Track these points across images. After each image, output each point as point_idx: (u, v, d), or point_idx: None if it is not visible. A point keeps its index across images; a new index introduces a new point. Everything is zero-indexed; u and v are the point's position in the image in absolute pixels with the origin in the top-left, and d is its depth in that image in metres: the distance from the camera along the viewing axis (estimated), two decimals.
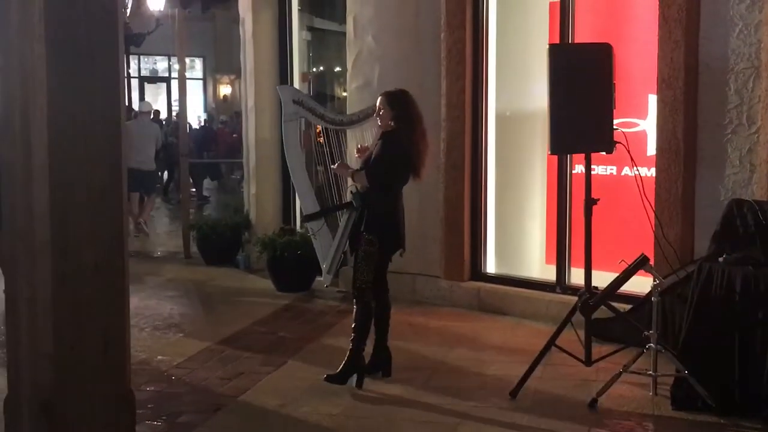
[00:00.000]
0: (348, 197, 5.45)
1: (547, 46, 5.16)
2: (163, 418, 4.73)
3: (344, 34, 7.97)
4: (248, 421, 4.67)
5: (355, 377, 5.17)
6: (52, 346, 2.73)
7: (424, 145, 5.27)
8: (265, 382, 5.32)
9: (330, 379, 5.16)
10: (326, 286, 5.68)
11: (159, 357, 5.89)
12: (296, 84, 9.23)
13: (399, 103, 5.24)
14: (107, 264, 2.81)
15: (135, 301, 7.34)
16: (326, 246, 5.47)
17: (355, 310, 5.25)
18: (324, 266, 5.49)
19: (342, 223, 5.43)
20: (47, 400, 2.74)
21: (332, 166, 5.54)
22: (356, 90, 7.67)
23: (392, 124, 5.19)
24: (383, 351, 5.38)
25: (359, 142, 5.66)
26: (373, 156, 5.25)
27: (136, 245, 10.61)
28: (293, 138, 5.63)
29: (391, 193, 5.29)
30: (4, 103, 2.83)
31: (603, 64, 5.01)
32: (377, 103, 5.29)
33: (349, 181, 5.47)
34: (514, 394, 4.96)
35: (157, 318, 7.06)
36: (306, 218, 5.60)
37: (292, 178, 5.74)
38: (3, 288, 2.92)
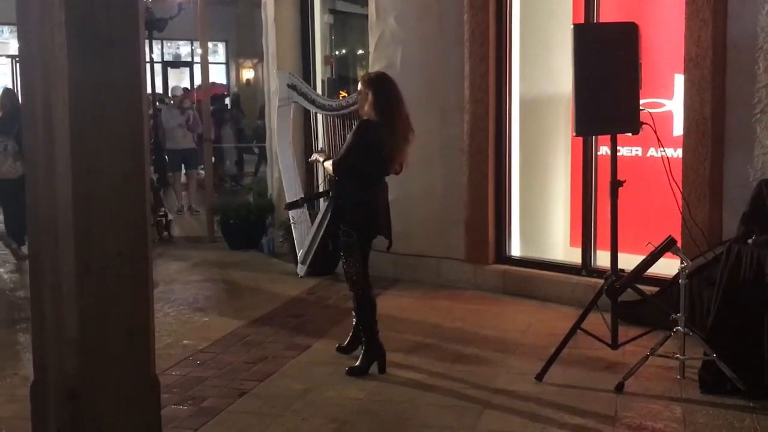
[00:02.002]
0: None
1: (571, 26, 5.08)
2: (189, 401, 4.75)
3: (367, 16, 7.92)
4: (273, 406, 4.67)
5: (376, 365, 5.15)
6: (77, 333, 2.72)
7: (403, 141, 5.02)
8: (290, 366, 5.33)
9: (352, 372, 5.11)
10: (300, 277, 5.62)
11: (184, 341, 5.91)
12: (319, 68, 9.21)
13: (379, 89, 5.01)
14: (130, 251, 2.80)
15: (160, 286, 7.42)
16: (305, 235, 5.43)
17: (353, 301, 5.23)
18: (299, 255, 5.45)
19: (320, 213, 5.38)
20: (72, 386, 2.74)
21: (311, 158, 5.48)
22: None
23: (372, 112, 4.97)
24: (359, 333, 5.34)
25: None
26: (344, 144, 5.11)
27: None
28: (284, 123, 5.61)
29: (366, 182, 5.07)
30: (27, 91, 2.82)
31: (629, 44, 4.94)
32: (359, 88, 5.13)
33: None
34: (539, 377, 4.93)
35: (182, 302, 7.09)
36: (288, 206, 5.56)
37: (279, 163, 5.68)
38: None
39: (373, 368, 5.14)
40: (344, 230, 5.09)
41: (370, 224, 5.14)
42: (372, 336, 5.16)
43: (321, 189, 5.60)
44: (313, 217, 5.83)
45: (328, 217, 5.26)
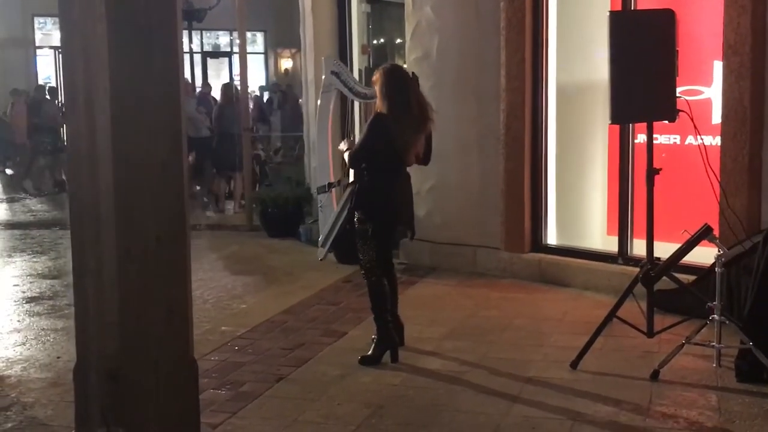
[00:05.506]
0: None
1: (608, 13, 5.06)
2: (227, 386, 4.83)
3: (404, 5, 7.93)
4: (309, 391, 4.74)
5: (389, 353, 5.15)
6: (117, 317, 2.80)
7: (416, 131, 5.06)
8: (327, 352, 5.39)
9: (364, 360, 5.12)
10: (320, 260, 5.71)
11: (223, 327, 6.00)
12: (356, 56, 9.24)
13: (391, 83, 5.04)
14: (169, 237, 2.86)
15: (199, 273, 7.53)
16: (328, 220, 5.53)
17: (367, 289, 5.27)
18: (320, 239, 5.54)
19: (343, 199, 5.47)
20: (113, 368, 2.82)
21: (339, 146, 5.58)
22: (415, 62, 7.64)
23: (383, 104, 5.04)
24: (395, 320, 5.34)
25: None
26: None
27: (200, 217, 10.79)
28: (325, 109, 5.68)
29: (380, 173, 5.12)
30: (69, 82, 2.90)
31: (665, 31, 4.91)
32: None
33: None
34: (574, 365, 4.94)
35: (221, 289, 7.19)
36: (318, 190, 5.65)
37: (315, 147, 5.78)
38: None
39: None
40: (359, 218, 5.19)
41: (385, 214, 5.22)
42: (383, 324, 5.18)
43: (343, 177, 5.69)
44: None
45: (348, 204, 5.35)
